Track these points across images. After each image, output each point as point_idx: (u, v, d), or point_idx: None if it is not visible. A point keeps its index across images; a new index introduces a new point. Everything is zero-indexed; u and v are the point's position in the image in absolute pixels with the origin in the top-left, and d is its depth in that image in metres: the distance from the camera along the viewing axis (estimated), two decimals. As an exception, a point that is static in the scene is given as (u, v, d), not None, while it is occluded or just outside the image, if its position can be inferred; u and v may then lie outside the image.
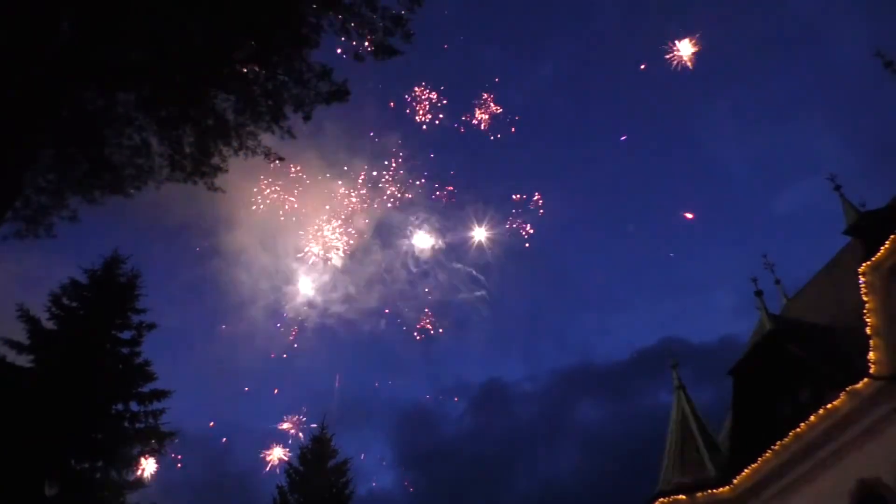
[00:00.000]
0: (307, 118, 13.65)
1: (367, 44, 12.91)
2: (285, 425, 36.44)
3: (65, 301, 21.40)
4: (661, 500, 24.00)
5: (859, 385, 18.10)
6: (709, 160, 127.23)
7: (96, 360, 20.40)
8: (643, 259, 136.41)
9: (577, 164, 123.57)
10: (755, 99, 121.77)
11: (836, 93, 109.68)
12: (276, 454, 32.63)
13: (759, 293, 26.18)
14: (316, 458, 29.99)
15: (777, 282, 31.49)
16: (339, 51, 14.17)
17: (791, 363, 22.31)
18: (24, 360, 19.74)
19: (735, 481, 22.63)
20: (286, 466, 29.72)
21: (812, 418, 19.46)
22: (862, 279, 18.89)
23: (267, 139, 13.61)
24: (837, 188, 26.52)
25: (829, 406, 18.98)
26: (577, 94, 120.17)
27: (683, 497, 23.67)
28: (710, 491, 23.35)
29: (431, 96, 42.59)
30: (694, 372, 76.70)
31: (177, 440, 20.90)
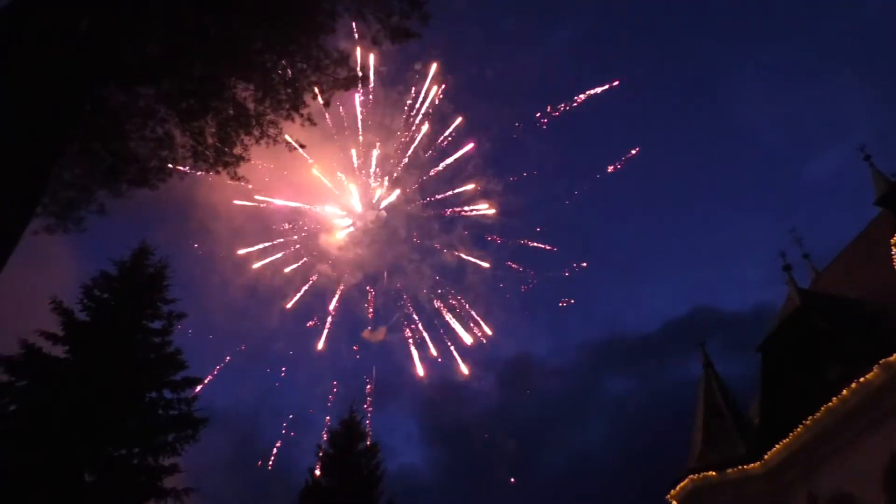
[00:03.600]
0: (326, 104, 13.73)
1: (382, 27, 12.86)
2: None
3: (96, 293, 21.81)
4: (691, 477, 23.99)
5: (892, 358, 17.86)
6: (736, 125, 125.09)
7: (129, 350, 20.81)
8: (671, 227, 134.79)
9: (602, 131, 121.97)
10: (782, 58, 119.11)
11: (866, 50, 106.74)
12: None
13: (787, 268, 25.87)
14: (346, 441, 30.34)
15: (805, 256, 31.08)
16: (355, 35, 14.17)
17: (821, 338, 22.06)
18: (59, 351, 20.22)
19: (766, 457, 22.53)
20: (317, 450, 30.11)
21: (844, 392, 19.27)
22: (894, 250, 18.56)
23: (287, 127, 13.68)
24: (867, 158, 26.00)
25: (861, 380, 18.77)
26: (598, 58, 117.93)
27: (713, 474, 23.65)
28: (740, 467, 23.29)
29: None
30: (727, 342, 75.74)
31: (208, 425, 21.23)
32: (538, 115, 52.96)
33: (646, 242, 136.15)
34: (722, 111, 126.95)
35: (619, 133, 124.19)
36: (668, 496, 25.15)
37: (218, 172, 13.57)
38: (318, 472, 29.30)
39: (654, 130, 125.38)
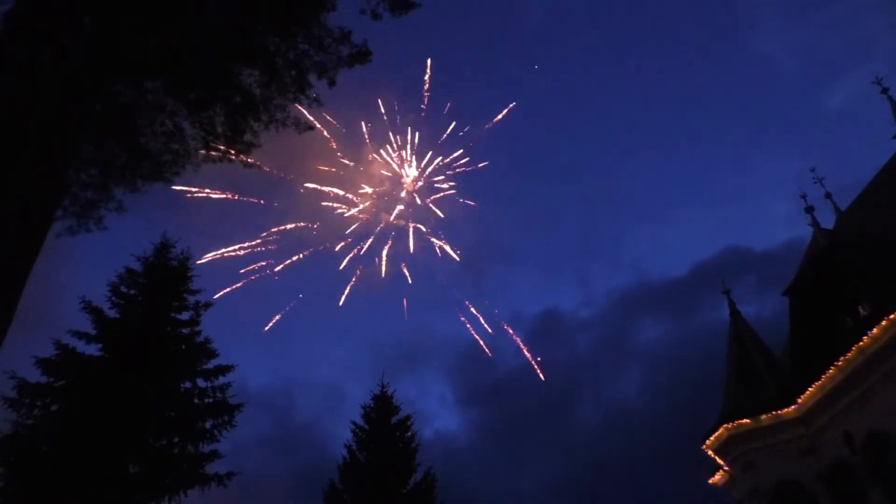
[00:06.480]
0: (332, 84, 13.64)
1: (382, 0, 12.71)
2: None
3: (123, 289, 22.13)
4: (726, 426, 24.03)
5: (922, 292, 17.64)
6: (754, 55, 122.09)
7: (160, 343, 21.16)
8: (693, 167, 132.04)
9: (620, 69, 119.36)
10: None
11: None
12: None
13: (809, 209, 25.55)
14: (379, 415, 30.72)
15: (828, 195, 30.60)
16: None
17: (848, 278, 21.85)
18: (92, 349, 20.63)
19: (799, 400, 22.50)
20: (352, 426, 30.54)
21: (875, 330, 19.13)
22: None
23: (295, 109, 13.66)
24: (885, 91, 25.45)
25: (891, 316, 18.60)
26: None
27: (747, 421, 23.66)
28: (774, 413, 23.28)
29: None
30: (759, 281, 74.87)
31: (244, 410, 21.61)
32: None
33: (668, 185, 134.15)
34: (737, 39, 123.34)
35: (633, 71, 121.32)
36: (704, 446, 25.24)
37: (231, 161, 13.63)
38: (354, 448, 29.73)
39: (671, 68, 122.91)
